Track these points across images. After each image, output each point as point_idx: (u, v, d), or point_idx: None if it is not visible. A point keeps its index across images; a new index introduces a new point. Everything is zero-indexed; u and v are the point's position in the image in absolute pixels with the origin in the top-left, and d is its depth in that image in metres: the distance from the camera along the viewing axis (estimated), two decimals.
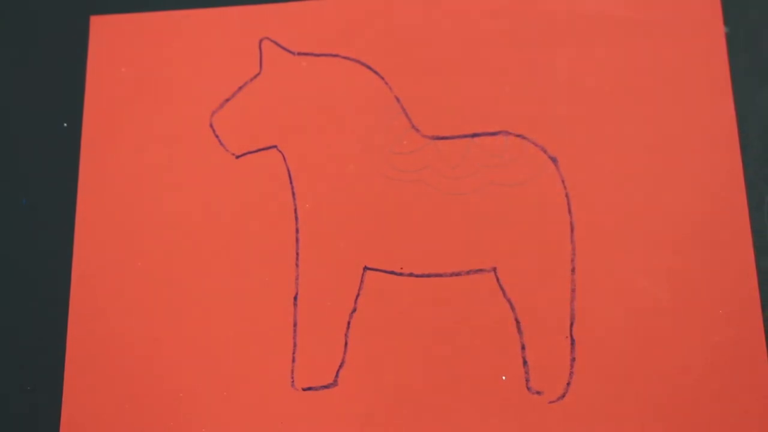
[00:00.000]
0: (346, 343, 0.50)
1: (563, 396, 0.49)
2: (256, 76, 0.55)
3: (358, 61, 0.55)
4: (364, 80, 0.54)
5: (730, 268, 0.50)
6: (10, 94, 0.56)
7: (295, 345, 0.51)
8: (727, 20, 0.54)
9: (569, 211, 0.51)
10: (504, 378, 0.49)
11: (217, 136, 0.54)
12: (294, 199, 0.53)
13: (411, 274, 0.51)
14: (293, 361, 0.50)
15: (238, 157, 0.54)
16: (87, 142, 0.55)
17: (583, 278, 0.50)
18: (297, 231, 0.52)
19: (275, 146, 0.54)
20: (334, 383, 0.50)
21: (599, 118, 0.53)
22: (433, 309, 0.50)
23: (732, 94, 0.52)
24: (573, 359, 0.49)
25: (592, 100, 0.53)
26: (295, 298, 0.51)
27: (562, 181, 0.52)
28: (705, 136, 0.52)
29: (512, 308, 0.50)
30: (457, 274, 0.51)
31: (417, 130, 0.53)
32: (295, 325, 0.51)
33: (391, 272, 0.51)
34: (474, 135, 0.53)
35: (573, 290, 0.50)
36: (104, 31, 0.56)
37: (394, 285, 0.51)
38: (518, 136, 0.53)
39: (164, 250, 0.52)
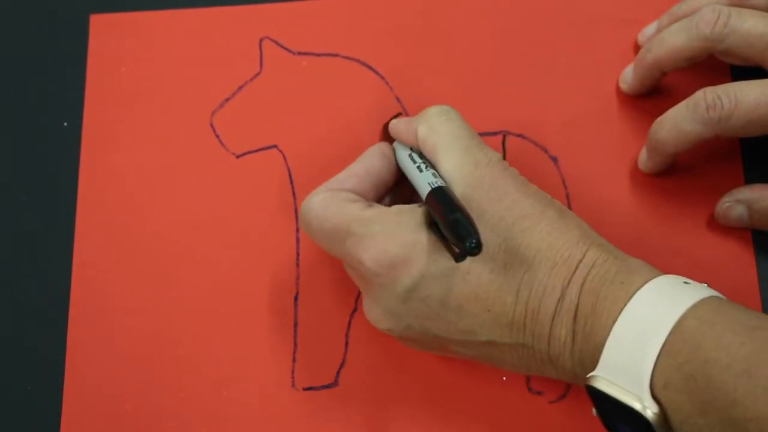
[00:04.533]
0: (346, 343, 0.50)
1: (563, 396, 0.49)
2: (256, 76, 0.55)
3: (358, 61, 0.55)
4: (364, 80, 0.54)
5: (730, 268, 0.50)
6: (10, 93, 0.56)
7: (295, 345, 0.51)
8: None
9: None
10: (504, 378, 0.49)
11: (217, 136, 0.54)
12: (294, 199, 0.53)
13: None
14: (293, 361, 0.50)
15: (238, 157, 0.54)
16: (87, 141, 0.55)
17: None
18: (297, 231, 0.52)
19: (275, 146, 0.54)
20: (335, 383, 0.50)
21: (599, 118, 0.53)
22: None
23: None
24: None
25: (592, 100, 0.53)
26: (296, 298, 0.51)
27: (563, 181, 0.52)
28: None
29: None
30: None
31: None
32: (295, 325, 0.51)
33: None
34: None
35: None
36: (104, 30, 0.56)
37: None
38: (518, 136, 0.53)
39: (164, 249, 0.52)
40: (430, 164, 0.45)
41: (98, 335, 0.51)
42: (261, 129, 0.54)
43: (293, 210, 0.53)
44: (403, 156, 0.47)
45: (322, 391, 0.50)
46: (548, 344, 0.42)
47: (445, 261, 0.42)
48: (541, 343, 0.42)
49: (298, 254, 0.52)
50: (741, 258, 0.50)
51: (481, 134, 0.52)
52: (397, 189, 0.48)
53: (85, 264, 0.52)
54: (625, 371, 0.39)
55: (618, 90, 0.53)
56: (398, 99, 0.54)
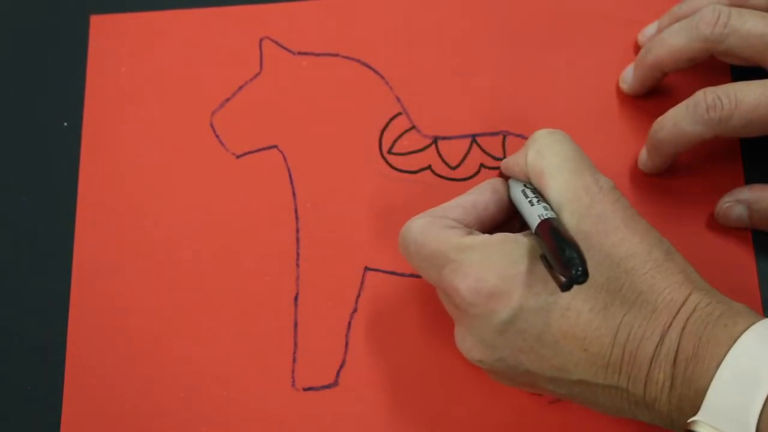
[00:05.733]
0: (346, 343, 0.50)
1: None
2: (256, 76, 0.55)
3: (358, 61, 0.55)
4: (364, 80, 0.55)
5: (730, 268, 0.50)
6: (10, 93, 0.56)
7: (295, 345, 0.51)
8: None
9: None
10: None
11: (217, 136, 0.54)
12: (294, 199, 0.53)
13: (411, 275, 0.51)
14: (294, 361, 0.50)
15: (238, 157, 0.54)
16: (87, 141, 0.55)
17: None
18: (297, 231, 0.52)
19: (275, 146, 0.54)
20: (335, 383, 0.50)
21: (599, 118, 0.53)
22: (433, 309, 0.50)
23: None
24: None
25: (592, 100, 0.53)
26: (296, 298, 0.51)
27: None
28: None
29: None
30: None
31: (417, 130, 0.53)
32: (295, 325, 0.51)
33: (391, 272, 0.51)
34: (474, 135, 0.53)
35: None
36: (104, 30, 0.56)
37: (394, 285, 0.51)
38: (518, 136, 0.53)
39: (164, 249, 0.52)
40: (543, 199, 0.44)
41: (98, 335, 0.51)
42: (261, 129, 0.54)
43: (293, 210, 0.53)
44: (516, 191, 0.46)
45: (322, 391, 0.50)
46: (644, 388, 0.41)
47: (546, 295, 0.41)
48: (637, 387, 0.41)
49: (298, 254, 0.52)
50: (741, 258, 0.50)
51: (481, 134, 0.53)
52: (504, 228, 0.47)
53: (85, 264, 0.52)
54: (730, 416, 0.38)
55: (618, 90, 0.53)
56: (398, 99, 0.54)
